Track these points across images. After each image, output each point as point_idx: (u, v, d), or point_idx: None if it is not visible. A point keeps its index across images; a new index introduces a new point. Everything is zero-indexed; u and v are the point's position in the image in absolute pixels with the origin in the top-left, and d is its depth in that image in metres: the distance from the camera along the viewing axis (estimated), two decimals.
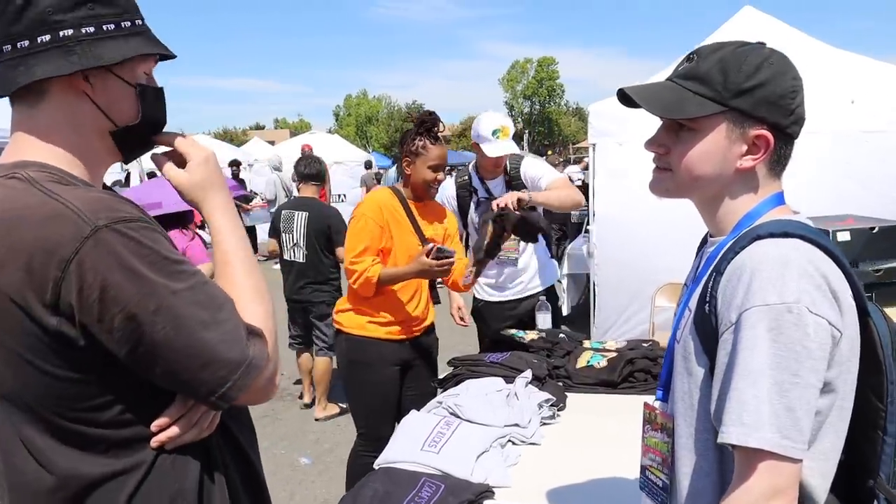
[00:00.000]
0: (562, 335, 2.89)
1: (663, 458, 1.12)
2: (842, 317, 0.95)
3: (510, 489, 1.78)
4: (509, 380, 2.34)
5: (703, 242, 1.19)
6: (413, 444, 1.94)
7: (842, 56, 4.82)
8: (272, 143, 19.45)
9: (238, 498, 1.17)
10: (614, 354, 2.57)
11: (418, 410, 2.64)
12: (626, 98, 1.11)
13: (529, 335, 2.86)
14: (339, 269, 4.38)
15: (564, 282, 6.04)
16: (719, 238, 1.10)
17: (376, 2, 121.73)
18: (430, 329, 2.94)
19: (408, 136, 2.74)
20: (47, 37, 0.99)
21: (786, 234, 0.98)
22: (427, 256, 2.52)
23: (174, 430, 1.05)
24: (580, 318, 5.87)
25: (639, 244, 4.64)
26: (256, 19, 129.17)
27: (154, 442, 1.05)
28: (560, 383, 2.45)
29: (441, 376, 2.59)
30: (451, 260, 2.54)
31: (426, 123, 2.71)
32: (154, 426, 1.04)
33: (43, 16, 0.98)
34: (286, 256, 4.60)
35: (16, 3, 0.98)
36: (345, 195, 13.83)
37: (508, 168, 3.33)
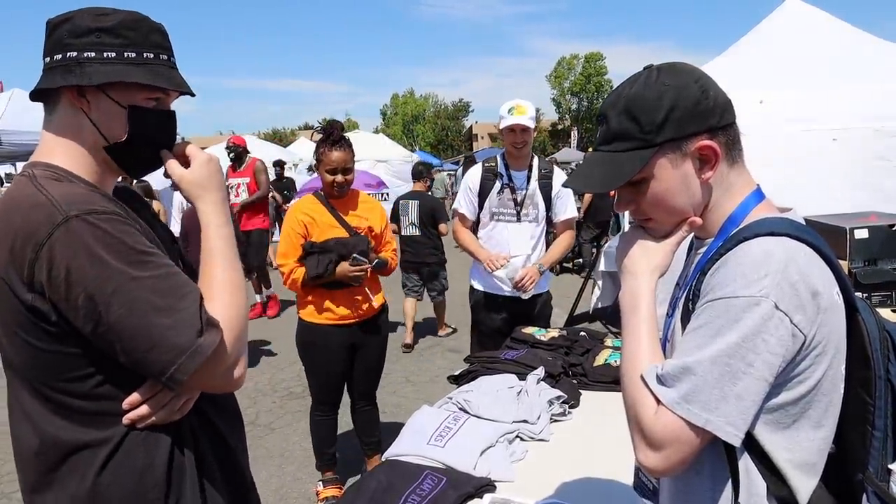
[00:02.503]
0: (582, 333, 2.88)
1: None
2: (817, 315, 0.95)
3: (512, 484, 1.79)
4: (522, 377, 2.35)
5: (691, 245, 1.19)
6: (420, 438, 1.97)
7: (888, 47, 4.64)
8: None
9: (213, 479, 1.25)
10: None
11: (368, 383, 3.36)
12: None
13: (549, 333, 2.86)
14: (441, 239, 6.35)
15: (600, 280, 5.97)
16: (708, 241, 1.11)
17: (423, 0, 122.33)
18: (381, 311, 3.27)
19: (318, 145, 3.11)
20: (59, 56, 1.16)
21: (772, 234, 0.98)
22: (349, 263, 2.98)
23: (143, 410, 1.15)
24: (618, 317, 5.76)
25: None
26: (306, 22, 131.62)
27: (125, 419, 1.14)
28: (575, 381, 2.45)
29: (457, 372, 2.62)
30: (363, 267, 3.01)
31: (325, 132, 3.09)
32: (125, 404, 1.14)
33: (60, 39, 1.16)
34: (404, 233, 6.27)
35: (49, 28, 1.18)
36: (387, 193, 13.94)
37: (539, 169, 3.36)
